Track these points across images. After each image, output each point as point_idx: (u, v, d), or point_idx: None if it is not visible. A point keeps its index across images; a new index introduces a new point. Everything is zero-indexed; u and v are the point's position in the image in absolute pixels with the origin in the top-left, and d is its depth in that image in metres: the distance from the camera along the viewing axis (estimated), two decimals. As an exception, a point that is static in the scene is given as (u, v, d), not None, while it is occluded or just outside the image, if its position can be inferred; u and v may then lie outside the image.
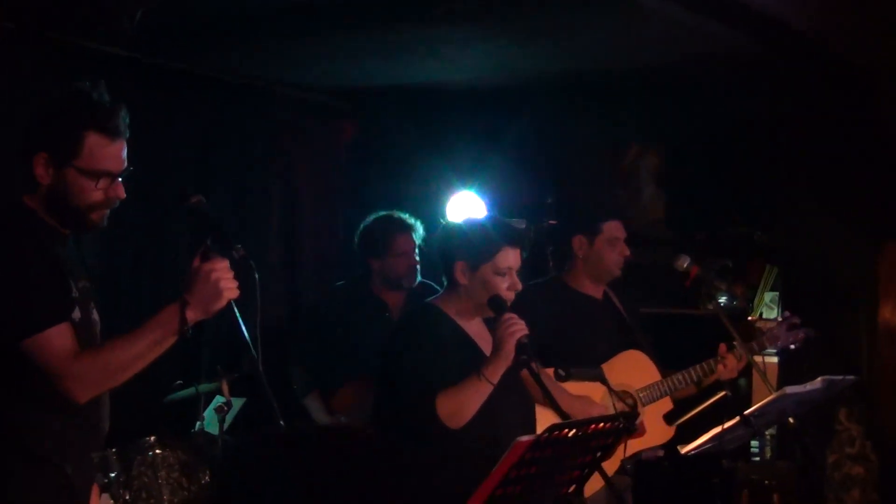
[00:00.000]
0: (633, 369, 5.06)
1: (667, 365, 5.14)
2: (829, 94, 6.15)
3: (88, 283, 3.32)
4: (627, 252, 5.14)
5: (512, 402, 4.01)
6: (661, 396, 5.01)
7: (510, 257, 4.07)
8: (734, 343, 5.06)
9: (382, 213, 5.81)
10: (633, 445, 4.92)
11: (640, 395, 5.01)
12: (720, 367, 5.01)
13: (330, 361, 5.69)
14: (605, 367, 4.95)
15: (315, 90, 7.43)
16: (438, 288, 5.90)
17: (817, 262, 6.19)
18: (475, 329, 4.14)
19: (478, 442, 3.89)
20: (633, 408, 4.95)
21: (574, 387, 4.76)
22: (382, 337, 5.55)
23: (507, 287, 4.06)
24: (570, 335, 5.00)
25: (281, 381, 5.49)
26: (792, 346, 5.22)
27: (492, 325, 4.12)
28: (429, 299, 4.25)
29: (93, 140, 3.16)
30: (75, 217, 3.21)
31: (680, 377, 5.00)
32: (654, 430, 4.89)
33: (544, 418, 4.62)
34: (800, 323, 5.22)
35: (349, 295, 5.88)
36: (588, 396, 4.84)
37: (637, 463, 4.84)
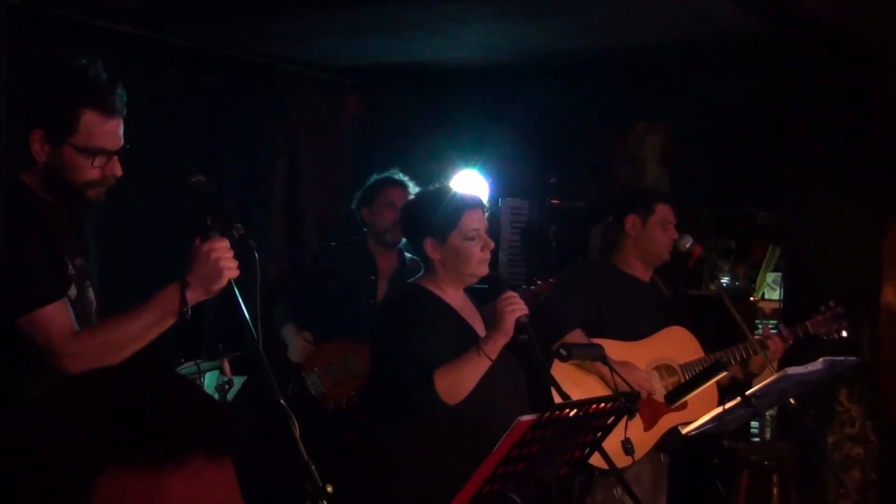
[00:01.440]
0: (676, 344, 5.10)
1: (709, 347, 5.16)
2: (835, 72, 6.13)
3: (85, 262, 3.31)
4: (676, 236, 5.18)
5: (506, 380, 4.02)
6: None
7: (475, 218, 4.07)
8: (779, 326, 5.11)
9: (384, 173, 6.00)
10: (674, 419, 4.94)
11: (684, 370, 5.04)
12: (767, 346, 5.03)
13: (313, 306, 5.83)
14: (648, 341, 5.02)
15: (319, 67, 7.41)
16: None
17: (821, 243, 6.17)
18: (459, 303, 4.16)
19: (473, 418, 3.90)
20: (678, 384, 4.97)
21: (621, 354, 4.79)
22: (366, 294, 5.77)
23: (481, 248, 4.06)
24: (616, 312, 5.06)
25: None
26: (835, 336, 5.23)
27: (474, 295, 4.17)
28: (411, 280, 4.27)
29: (89, 117, 3.15)
30: (72, 194, 3.21)
31: (724, 355, 5.02)
32: (697, 405, 4.90)
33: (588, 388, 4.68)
34: (844, 313, 5.23)
35: (344, 249, 6.05)
36: (630, 362, 4.87)
37: (678, 440, 4.86)
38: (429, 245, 4.07)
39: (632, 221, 5.20)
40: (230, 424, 1.26)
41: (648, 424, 4.92)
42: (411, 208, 4.27)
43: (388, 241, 5.86)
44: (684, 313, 5.28)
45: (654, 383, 5.02)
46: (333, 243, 6.27)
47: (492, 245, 4.12)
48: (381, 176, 5.97)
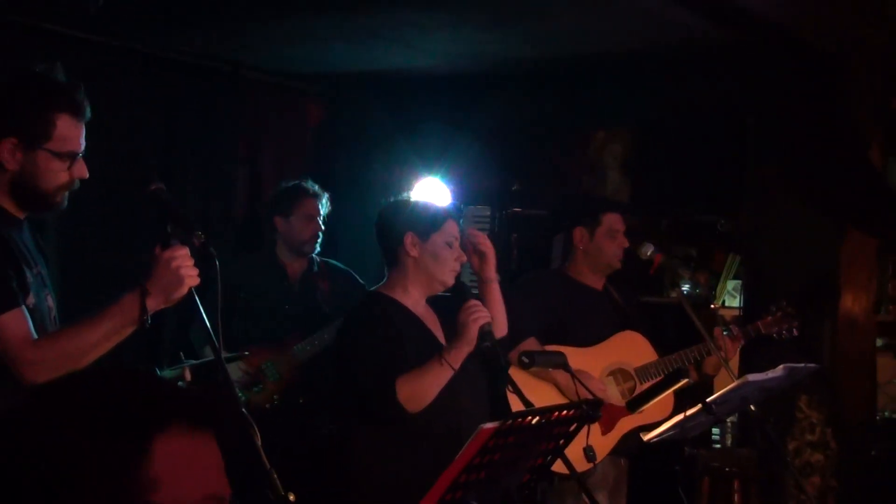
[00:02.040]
0: (630, 349, 5.12)
1: (664, 352, 5.18)
2: (795, 80, 6.17)
3: (44, 269, 3.28)
4: (627, 244, 5.20)
5: (470, 389, 4.03)
6: (658, 375, 5.04)
7: (455, 228, 4.15)
8: (730, 326, 5.13)
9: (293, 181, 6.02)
10: (631, 422, 4.96)
11: (638, 373, 5.05)
12: (720, 346, 5.04)
13: (234, 326, 5.76)
14: (602, 346, 5.04)
15: (281, 74, 7.39)
16: (339, 265, 6.05)
17: (781, 250, 6.21)
18: (422, 311, 4.17)
19: (436, 426, 3.90)
20: (633, 388, 5.00)
21: (577, 363, 4.80)
22: (282, 302, 5.80)
23: (455, 259, 4.10)
24: (569, 321, 5.07)
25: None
26: (786, 335, 5.24)
27: (436, 304, 4.19)
28: (373, 288, 4.26)
29: (64, 122, 3.15)
30: (42, 200, 3.19)
31: (676, 357, 5.04)
32: (653, 408, 4.91)
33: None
34: (796, 313, 5.25)
35: (254, 261, 6.10)
36: (585, 371, 4.88)
37: (636, 443, 4.88)
38: (409, 241, 4.08)
39: (580, 234, 5.22)
40: (213, 402, 1.53)
41: (606, 428, 4.94)
42: (390, 208, 4.26)
43: (307, 251, 5.91)
44: (640, 320, 5.30)
45: (610, 388, 5.04)
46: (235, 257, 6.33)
47: (464, 259, 4.17)
48: (296, 185, 5.96)
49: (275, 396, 5.69)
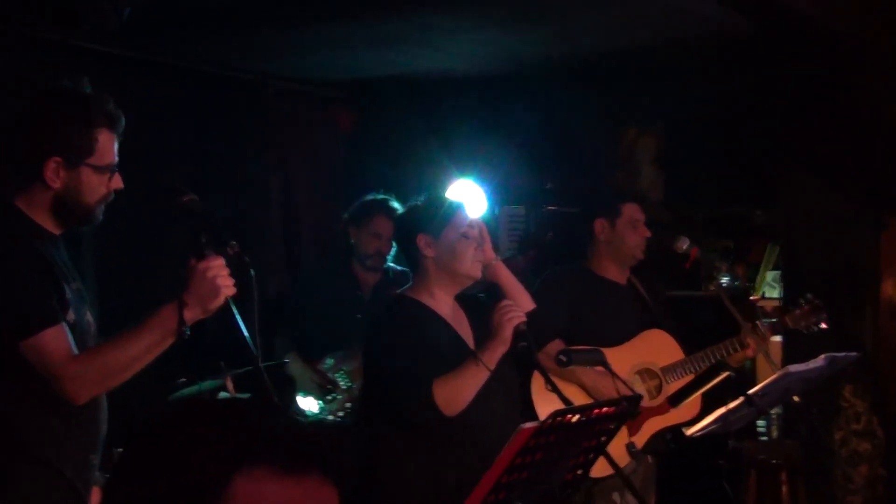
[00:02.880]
0: (656, 348, 5.08)
1: (694, 347, 5.14)
2: (825, 70, 6.14)
3: (81, 285, 3.32)
4: (648, 233, 5.15)
5: (501, 389, 4.00)
6: (686, 374, 5.01)
7: (467, 216, 4.10)
8: (757, 322, 5.08)
9: (382, 195, 6.00)
10: (658, 423, 4.94)
11: (665, 373, 5.02)
12: (746, 345, 5.00)
13: (308, 332, 5.93)
14: (628, 346, 4.99)
15: (310, 82, 7.42)
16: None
17: (819, 240, 6.18)
18: (449, 313, 4.12)
19: (468, 428, 3.88)
20: (658, 388, 4.98)
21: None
22: (353, 311, 5.81)
23: (476, 248, 4.05)
24: (593, 319, 5.03)
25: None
26: (815, 329, 5.19)
27: (467, 304, 4.15)
28: (399, 291, 4.23)
29: (104, 136, 3.20)
30: (83, 214, 3.24)
31: (703, 355, 5.00)
32: (679, 409, 4.89)
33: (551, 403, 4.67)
34: (823, 305, 5.20)
35: (328, 271, 6.18)
36: (607, 373, 4.86)
37: (665, 442, 4.86)
38: (422, 242, 4.05)
39: (600, 225, 5.16)
40: (345, 454, 1.41)
41: (633, 430, 4.91)
42: (403, 216, 4.27)
43: (370, 265, 5.96)
44: (666, 314, 5.25)
45: (636, 388, 4.99)
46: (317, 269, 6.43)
47: (487, 246, 4.11)
48: (376, 199, 5.98)
49: (347, 405, 5.72)
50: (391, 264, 5.99)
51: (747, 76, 6.51)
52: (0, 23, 5.24)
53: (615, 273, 5.20)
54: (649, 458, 5.11)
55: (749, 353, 5.02)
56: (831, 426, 5.97)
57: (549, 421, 3.14)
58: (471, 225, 4.07)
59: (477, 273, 4.06)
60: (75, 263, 3.41)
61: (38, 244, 3.15)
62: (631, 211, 5.15)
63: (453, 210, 4.08)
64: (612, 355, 4.90)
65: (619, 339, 5.02)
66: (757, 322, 5.15)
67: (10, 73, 5.25)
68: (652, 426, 4.97)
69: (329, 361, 5.75)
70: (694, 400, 4.91)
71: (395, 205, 5.83)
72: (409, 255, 4.16)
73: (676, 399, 4.84)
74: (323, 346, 5.76)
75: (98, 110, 3.20)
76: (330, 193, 7.51)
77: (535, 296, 4.54)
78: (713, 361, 5.00)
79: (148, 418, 1.43)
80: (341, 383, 5.76)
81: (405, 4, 5.45)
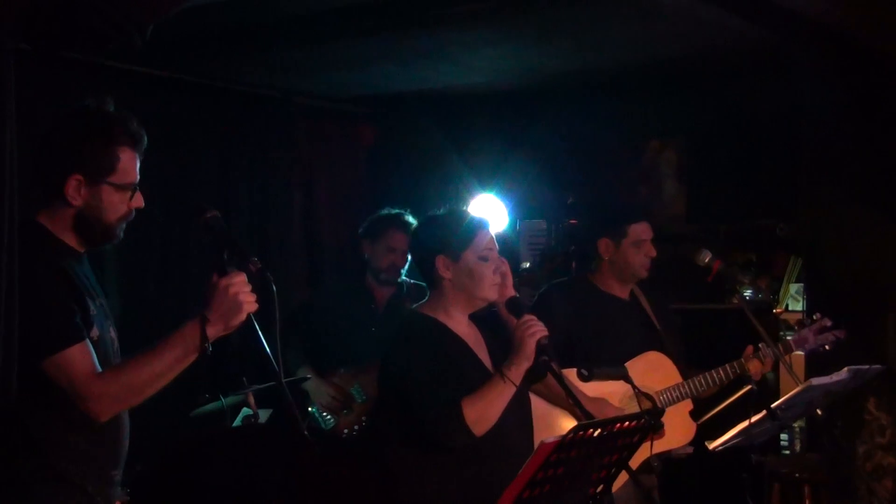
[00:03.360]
0: (653, 371, 5.02)
1: (699, 362, 5.11)
2: (849, 82, 6.11)
3: (104, 302, 3.33)
4: (654, 253, 5.12)
5: (514, 404, 3.98)
6: (682, 399, 4.96)
7: (488, 239, 4.02)
8: (760, 345, 5.03)
9: (397, 209, 6.02)
10: (655, 447, 4.89)
11: (660, 396, 4.98)
12: (747, 366, 4.96)
13: (319, 346, 5.93)
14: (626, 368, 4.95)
15: (332, 98, 7.45)
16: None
17: (842, 252, 6.15)
18: (465, 331, 4.07)
19: (486, 444, 3.85)
20: (659, 409, 4.94)
21: (594, 388, 4.75)
22: (367, 326, 5.85)
23: (494, 271, 4.00)
24: (593, 335, 4.98)
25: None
26: (823, 349, 5.15)
27: (478, 320, 4.12)
28: (414, 307, 4.18)
29: (126, 155, 3.21)
30: (104, 232, 3.25)
31: (701, 380, 4.96)
32: (675, 432, 4.86)
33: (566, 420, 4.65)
34: (831, 325, 5.16)
35: (342, 287, 6.21)
36: (605, 399, 4.82)
37: (665, 461, 4.83)
38: (440, 263, 4.00)
39: (604, 245, 5.14)
40: None
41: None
42: (422, 229, 4.20)
43: (383, 279, 5.98)
44: (670, 328, 5.22)
45: (631, 410, 4.95)
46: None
47: (505, 268, 4.06)
48: (390, 214, 6.00)
49: (363, 418, 5.74)
50: (405, 278, 6.00)
51: (770, 88, 6.49)
52: (27, 42, 5.27)
53: (617, 288, 5.17)
54: (645, 478, 5.05)
55: (754, 368, 4.98)
56: (855, 440, 5.93)
57: (571, 435, 3.13)
58: (489, 247, 4.05)
59: (493, 295, 3.99)
60: (100, 280, 3.43)
61: (61, 261, 3.17)
62: (637, 231, 5.11)
63: (473, 232, 4.01)
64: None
65: (618, 355, 4.94)
66: (780, 336, 5.12)
67: (37, 92, 5.29)
68: (644, 453, 4.92)
69: (342, 371, 5.76)
70: (687, 424, 4.88)
71: (410, 219, 5.88)
72: (426, 272, 4.11)
73: (698, 413, 4.81)
74: (336, 360, 5.76)
75: (120, 129, 3.22)
76: (352, 208, 7.54)
77: (532, 311, 4.51)
78: (711, 385, 4.95)
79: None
80: (356, 397, 5.78)
81: (427, 20, 5.47)
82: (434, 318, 4.02)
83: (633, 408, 4.89)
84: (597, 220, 5.39)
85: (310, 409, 5.79)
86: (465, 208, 4.25)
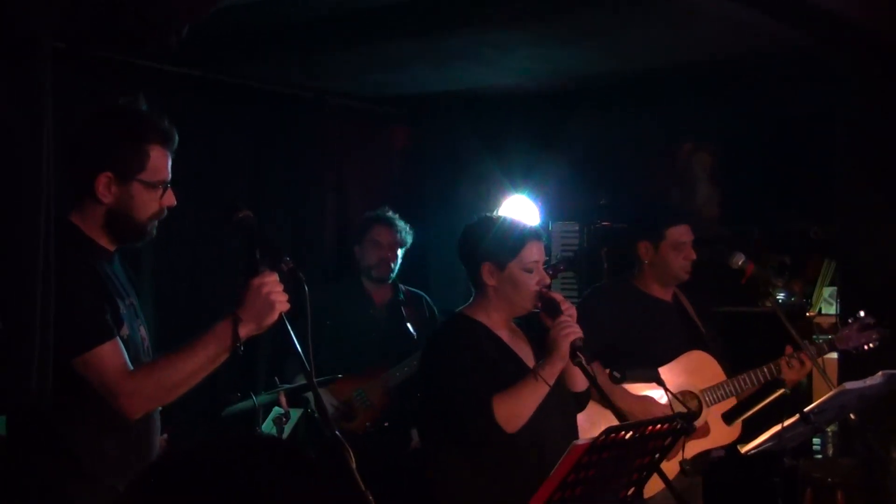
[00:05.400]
0: (697, 369, 5.02)
1: (741, 364, 5.09)
2: (885, 84, 6.07)
3: (136, 301, 3.34)
4: (693, 256, 5.12)
5: (554, 405, 3.98)
6: (726, 397, 4.96)
7: (534, 251, 4.03)
8: (811, 340, 5.02)
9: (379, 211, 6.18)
10: (698, 446, 4.89)
11: (705, 395, 4.97)
12: (787, 369, 4.94)
13: (321, 353, 5.83)
14: (668, 367, 4.94)
15: (366, 99, 7.46)
16: (422, 294, 6.11)
17: (876, 255, 6.10)
18: (507, 333, 4.11)
19: (525, 444, 3.86)
20: (698, 410, 4.93)
21: (637, 388, 4.75)
22: (369, 330, 5.91)
23: (537, 283, 4.01)
24: (636, 337, 4.99)
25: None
26: (866, 348, 5.11)
27: (524, 325, 4.13)
28: (459, 309, 4.20)
29: (156, 152, 3.22)
30: (135, 230, 3.26)
31: (745, 378, 4.95)
32: (720, 431, 4.85)
33: (604, 419, 4.63)
34: (874, 323, 5.12)
35: (341, 290, 6.21)
36: (650, 397, 4.82)
37: (695, 464, 4.81)
38: (486, 271, 4.03)
39: (644, 248, 5.14)
40: None
41: (674, 451, 4.85)
42: (471, 232, 4.19)
43: (374, 276, 6.04)
44: (711, 331, 5.21)
45: (679, 409, 4.94)
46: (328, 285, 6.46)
47: (547, 281, 4.05)
48: (373, 213, 6.16)
49: (367, 424, 5.74)
50: (402, 285, 6.12)
51: (805, 90, 6.45)
52: (62, 42, 5.30)
53: (659, 290, 5.17)
54: (692, 481, 5.05)
55: (792, 376, 4.96)
56: (889, 444, 5.87)
57: (603, 437, 3.12)
58: (536, 259, 4.04)
59: (531, 306, 4.02)
60: (132, 279, 3.43)
61: (92, 260, 3.18)
62: (676, 234, 5.10)
63: (521, 243, 4.02)
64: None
65: (661, 358, 4.96)
66: (813, 339, 5.09)
67: (72, 92, 5.32)
68: (692, 449, 4.91)
69: (342, 377, 5.74)
70: (726, 421, 4.85)
71: (391, 214, 6.07)
72: (470, 274, 4.14)
73: (731, 417, 4.79)
74: (337, 368, 5.74)
75: (150, 126, 3.23)
76: (385, 209, 7.54)
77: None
78: (755, 384, 4.94)
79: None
80: (359, 403, 5.76)
81: (461, 21, 5.47)
82: (475, 319, 4.05)
83: (679, 406, 4.90)
84: (635, 222, 5.40)
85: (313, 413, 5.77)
86: (512, 217, 4.23)
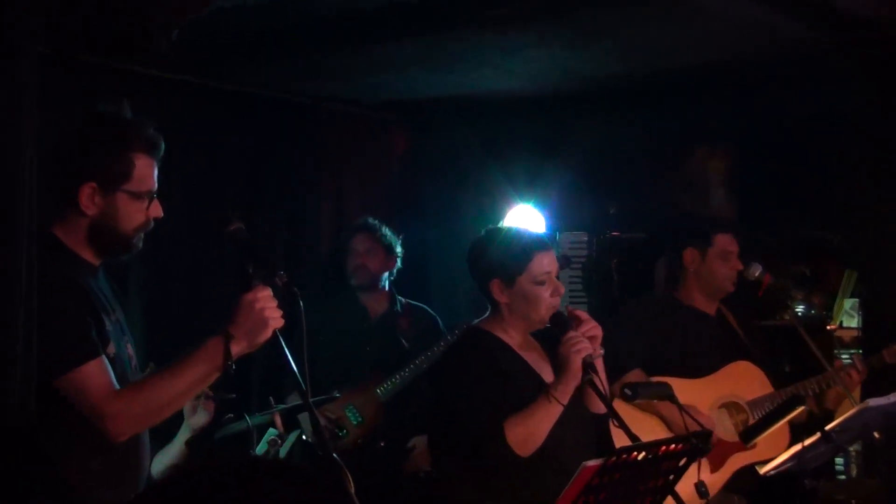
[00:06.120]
0: (743, 380, 5.04)
1: (787, 378, 5.09)
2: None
3: (122, 317, 3.33)
4: (740, 266, 5.13)
5: (574, 424, 3.97)
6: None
7: (545, 262, 4.03)
8: (852, 354, 5.02)
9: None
10: (744, 458, 4.88)
11: (751, 407, 4.97)
12: (847, 379, 4.94)
13: (315, 369, 5.85)
14: (713, 378, 4.97)
15: (363, 104, 7.44)
16: (426, 308, 6.13)
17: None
18: (525, 348, 4.13)
19: (539, 464, 3.85)
20: (745, 421, 4.93)
21: (683, 396, 4.75)
22: (363, 344, 5.98)
23: (551, 294, 4.01)
24: (677, 349, 5.01)
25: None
26: None
27: (541, 337, 4.11)
28: (475, 322, 4.21)
29: (141, 161, 3.22)
30: (120, 243, 3.25)
31: (793, 390, 4.95)
32: (767, 443, 4.83)
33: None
34: None
35: (334, 305, 6.28)
36: (693, 405, 4.83)
37: (755, 481, 4.80)
38: (496, 288, 4.04)
39: (690, 255, 5.16)
40: None
41: (716, 466, 4.86)
42: (477, 248, 4.19)
43: (355, 284, 6.20)
44: (756, 346, 5.21)
45: (721, 422, 4.95)
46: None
47: (562, 291, 4.05)
48: (352, 223, 6.41)
49: (359, 440, 5.74)
50: (402, 297, 6.20)
51: (823, 91, 6.44)
52: (48, 46, 5.30)
53: (703, 303, 5.19)
54: (736, 499, 5.04)
55: (848, 386, 4.95)
56: (914, 464, 5.86)
57: (613, 458, 3.11)
58: (547, 270, 4.02)
59: (547, 318, 4.02)
60: (117, 294, 3.42)
61: (75, 274, 3.16)
62: (724, 242, 5.14)
63: (529, 256, 4.02)
64: (696, 387, 4.88)
65: (704, 371, 4.99)
66: (853, 358, 5.08)
67: (58, 97, 5.30)
68: (736, 463, 4.91)
69: (336, 394, 5.73)
70: (781, 433, 4.83)
71: (371, 222, 6.28)
72: (483, 292, 4.14)
73: (749, 435, 4.77)
74: (333, 383, 5.73)
75: (136, 134, 3.22)
76: (384, 219, 7.52)
77: (617, 323, 4.50)
78: (807, 396, 4.93)
79: None
80: (351, 419, 5.75)
81: (463, 22, 5.46)
82: (490, 333, 4.04)
83: (723, 416, 4.90)
84: (681, 229, 5.40)
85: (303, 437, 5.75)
86: (519, 228, 4.22)
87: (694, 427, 3.84)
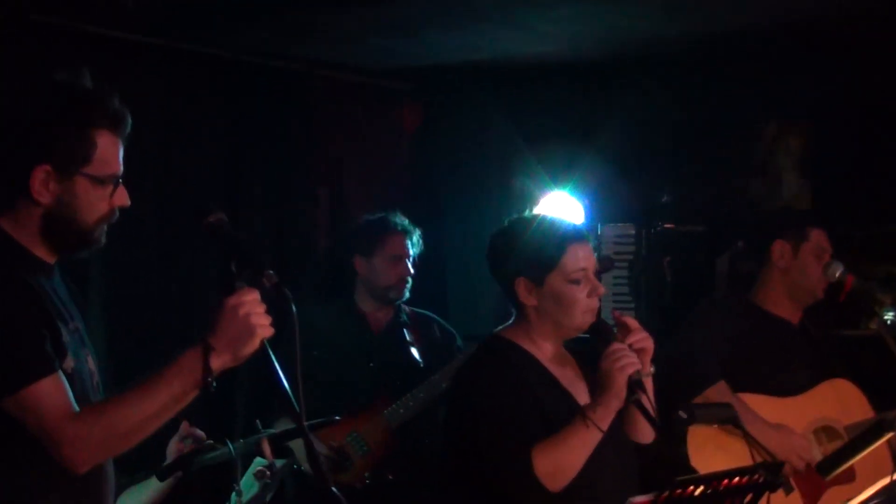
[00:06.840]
0: (839, 401, 5.05)
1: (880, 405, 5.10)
2: None
3: (82, 325, 3.33)
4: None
5: (614, 452, 3.96)
6: None
7: (580, 257, 3.99)
8: None
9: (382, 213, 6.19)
10: (843, 493, 4.88)
11: (850, 433, 4.97)
12: None
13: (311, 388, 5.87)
14: (806, 398, 4.99)
15: (366, 71, 7.47)
16: (435, 317, 6.14)
17: None
18: (556, 362, 4.08)
19: (574, 498, 3.84)
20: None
21: (775, 415, 4.78)
22: (364, 359, 5.95)
23: (588, 294, 3.98)
24: (759, 362, 5.01)
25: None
26: None
27: (572, 347, 4.11)
28: (497, 330, 4.18)
29: (104, 140, 3.20)
30: (80, 236, 3.25)
31: (883, 414, 4.94)
32: (866, 474, 4.83)
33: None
34: None
35: (329, 312, 6.16)
36: (785, 426, 4.83)
37: None
38: (521, 288, 4.01)
39: (780, 249, 5.15)
40: None
41: (810, 500, 4.86)
42: (499, 240, 4.16)
43: (392, 297, 6.08)
44: (840, 361, 5.22)
45: (813, 449, 4.96)
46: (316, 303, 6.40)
47: (601, 290, 3.99)
48: (380, 218, 6.15)
49: (365, 475, 5.72)
50: (404, 305, 6.14)
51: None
52: (2, 8, 5.32)
53: (787, 310, 5.19)
54: None
55: None
56: None
57: (666, 493, 3.11)
58: (583, 266, 3.99)
59: (585, 324, 3.97)
60: (76, 298, 3.43)
61: (26, 274, 3.17)
62: (819, 238, 5.14)
63: (561, 250, 3.99)
64: (787, 408, 4.89)
65: (788, 389, 4.99)
66: None
67: (5, 65, 5.32)
68: (834, 498, 4.91)
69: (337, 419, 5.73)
70: (882, 462, 4.83)
71: (400, 218, 6.12)
72: (506, 294, 4.11)
73: (826, 467, 4.78)
74: (331, 406, 5.72)
75: (97, 108, 3.21)
76: (391, 209, 7.54)
77: (691, 329, 4.49)
78: None
79: None
80: (355, 449, 5.75)
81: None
82: (517, 344, 4.02)
83: (815, 445, 4.91)
84: (769, 220, 5.41)
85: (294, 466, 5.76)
86: (550, 216, 4.19)
87: (764, 456, 3.85)
